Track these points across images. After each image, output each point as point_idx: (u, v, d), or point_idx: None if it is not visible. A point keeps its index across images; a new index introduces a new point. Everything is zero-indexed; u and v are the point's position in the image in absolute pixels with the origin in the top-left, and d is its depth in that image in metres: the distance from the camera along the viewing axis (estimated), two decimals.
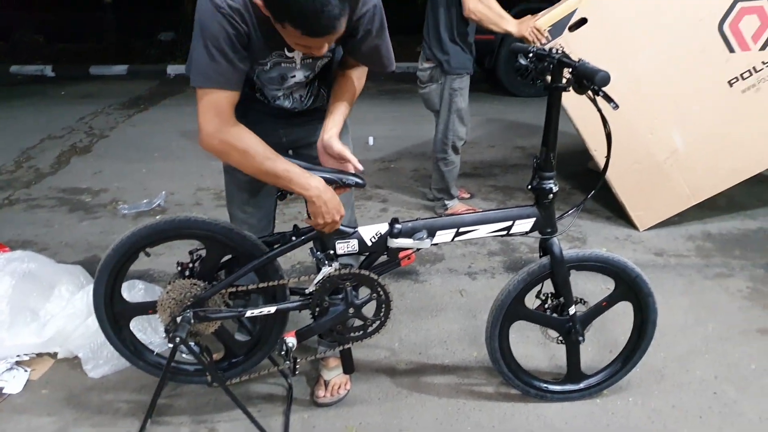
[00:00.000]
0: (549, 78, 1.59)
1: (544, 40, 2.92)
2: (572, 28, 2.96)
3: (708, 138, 3.07)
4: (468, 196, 3.79)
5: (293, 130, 1.78)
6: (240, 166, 1.50)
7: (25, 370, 2.07)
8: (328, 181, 1.54)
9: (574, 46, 2.93)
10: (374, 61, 1.65)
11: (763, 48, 2.89)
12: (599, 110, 1.59)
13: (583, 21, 2.95)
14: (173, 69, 8.15)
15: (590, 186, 3.27)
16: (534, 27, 2.90)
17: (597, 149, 3.15)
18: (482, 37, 6.32)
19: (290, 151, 1.74)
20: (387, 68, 1.68)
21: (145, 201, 3.57)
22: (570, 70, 1.49)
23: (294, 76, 1.60)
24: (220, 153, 1.47)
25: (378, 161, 4.46)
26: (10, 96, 6.77)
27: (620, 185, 3.23)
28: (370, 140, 4.91)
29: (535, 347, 2.25)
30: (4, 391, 1.99)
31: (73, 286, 2.23)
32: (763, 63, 2.91)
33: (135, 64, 8.23)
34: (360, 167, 1.58)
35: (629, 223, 3.34)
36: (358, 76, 1.70)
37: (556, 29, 2.95)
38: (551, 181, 1.69)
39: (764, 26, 2.86)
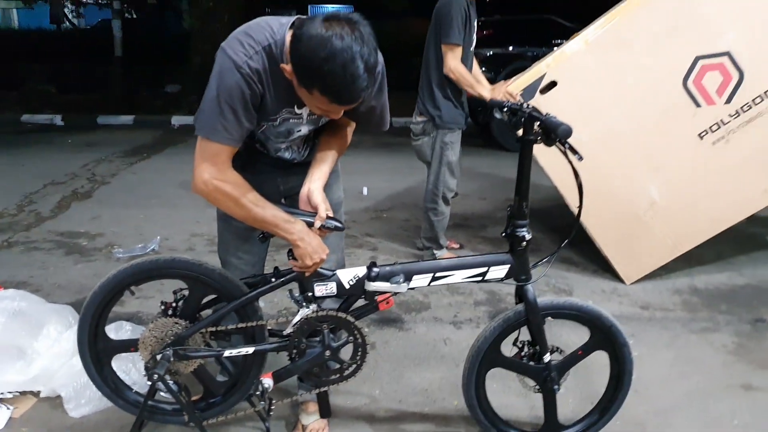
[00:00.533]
0: (520, 131, 1.66)
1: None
2: (543, 91, 3.07)
3: (684, 190, 3.14)
4: (458, 246, 3.85)
5: (290, 179, 1.85)
6: (230, 211, 1.58)
7: (8, 408, 2.09)
8: (309, 224, 1.60)
9: (546, 107, 3.02)
10: (369, 121, 1.75)
11: (728, 101, 2.99)
12: (570, 162, 1.66)
13: (553, 84, 3.06)
14: (177, 120, 8.36)
15: (583, 239, 3.34)
16: (506, 91, 3.04)
17: (576, 204, 3.22)
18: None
19: (283, 199, 1.82)
20: (380, 128, 1.79)
21: (139, 246, 3.63)
22: (538, 123, 1.56)
23: (300, 131, 1.69)
24: (212, 199, 1.55)
25: (371, 210, 4.55)
26: (19, 143, 6.95)
27: (603, 239, 3.28)
28: (365, 190, 5.01)
29: (516, 398, 2.26)
30: None
31: (62, 326, 2.27)
32: (730, 116, 3.00)
33: (141, 114, 8.46)
34: (323, 216, 1.62)
35: (616, 276, 3.38)
36: (350, 131, 1.80)
37: (528, 93, 3.07)
38: (524, 229, 1.74)
39: (726, 81, 2.97)
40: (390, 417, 2.16)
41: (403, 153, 6.64)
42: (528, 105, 1.67)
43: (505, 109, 1.76)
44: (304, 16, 1.47)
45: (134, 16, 17.51)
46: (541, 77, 3.07)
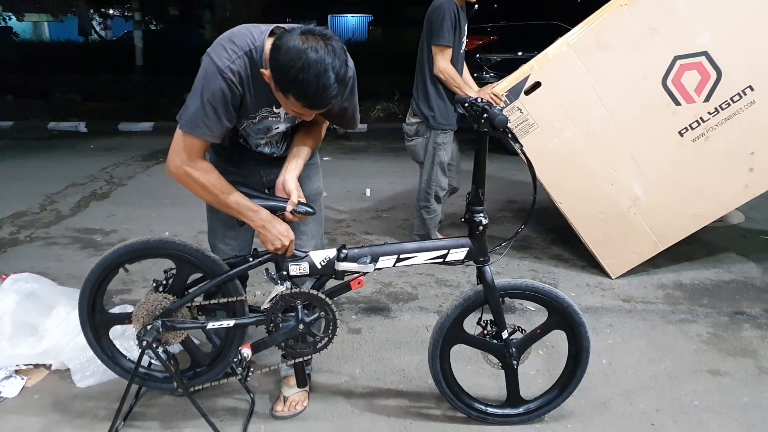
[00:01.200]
0: (476, 124, 1.81)
1: (502, 104, 3.21)
2: (528, 92, 3.22)
3: (666, 186, 3.24)
4: None
5: (272, 171, 2.03)
6: (198, 195, 1.77)
7: (22, 378, 2.31)
8: (282, 209, 1.78)
9: (530, 107, 3.24)
10: (342, 120, 1.95)
11: (707, 100, 3.08)
12: (522, 153, 1.81)
13: (537, 85, 3.21)
14: None
15: (575, 237, 3.47)
16: (492, 93, 3.20)
17: (561, 201, 3.36)
18: None
19: (267, 190, 2.01)
20: (351, 127, 2.00)
21: None
22: (485, 115, 1.71)
23: (278, 128, 1.88)
24: (183, 182, 1.75)
25: (371, 210, 4.72)
26: (45, 148, 7.30)
27: (588, 235, 3.41)
28: (367, 191, 5.19)
29: (487, 378, 2.40)
30: (1, 395, 2.22)
31: (70, 306, 2.48)
32: (709, 113, 3.10)
33: (160, 121, 8.76)
34: (295, 202, 1.80)
35: (603, 272, 3.49)
36: (324, 127, 2.00)
37: (513, 94, 3.24)
38: (481, 215, 1.90)
39: (705, 80, 3.07)
40: (367, 393, 2.33)
41: (409, 157, 6.83)
42: (481, 100, 1.82)
43: (466, 104, 1.91)
44: (284, 26, 1.66)
45: (158, 27, 17.99)
46: (526, 78, 3.22)
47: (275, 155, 2.01)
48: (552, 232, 4.17)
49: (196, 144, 1.69)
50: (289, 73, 1.52)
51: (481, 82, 6.65)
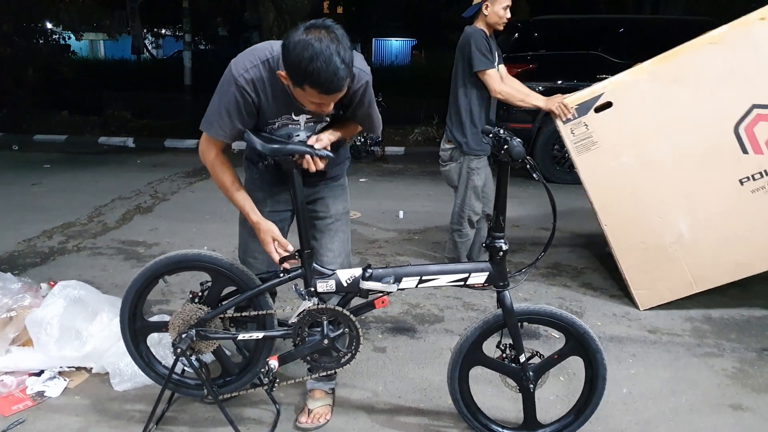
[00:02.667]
0: (500, 154, 1.89)
1: (570, 116, 3.23)
2: (598, 110, 3.21)
3: (714, 230, 3.19)
4: None
5: (306, 190, 2.15)
6: (217, 184, 2.00)
7: (65, 380, 2.47)
8: (295, 153, 1.87)
9: (596, 125, 3.23)
10: (366, 125, 2.07)
11: None
12: (543, 182, 1.88)
13: (608, 104, 3.19)
14: (237, 144, 8.85)
15: (607, 266, 3.47)
16: (561, 103, 3.22)
17: (607, 224, 3.34)
18: (519, 125, 6.78)
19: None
20: (374, 132, 2.14)
21: None
22: (505, 146, 1.80)
23: (299, 135, 1.99)
24: (208, 169, 2.00)
25: (404, 232, 4.82)
26: (95, 162, 7.68)
27: (625, 262, 3.37)
28: (401, 214, 5.30)
29: (507, 401, 2.44)
30: (45, 394, 2.39)
31: (113, 314, 2.63)
32: None
33: None
34: (318, 145, 1.89)
35: (632, 302, 3.48)
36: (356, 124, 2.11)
37: (583, 109, 3.23)
38: (502, 241, 1.97)
39: None
40: (388, 409, 2.40)
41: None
42: (504, 131, 1.90)
43: (491, 135, 1.99)
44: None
45: (207, 47, 18.65)
46: (598, 96, 3.21)
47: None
48: (583, 260, 4.19)
49: (215, 143, 1.93)
50: (300, 65, 1.65)
51: (518, 110, 6.73)
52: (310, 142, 1.91)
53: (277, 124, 1.95)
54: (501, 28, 3.44)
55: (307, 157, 1.87)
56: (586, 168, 3.31)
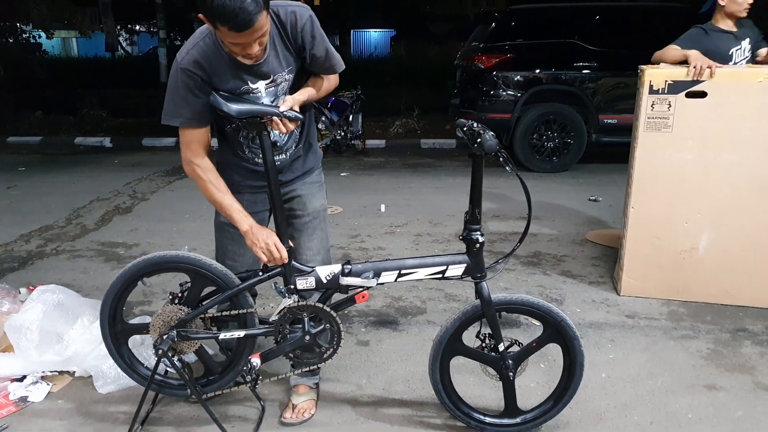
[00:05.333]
0: (473, 147, 1.90)
1: (704, 76, 3.02)
2: (690, 95, 3.07)
3: (727, 257, 3.22)
4: None
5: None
6: (203, 192, 1.98)
7: (48, 384, 2.47)
8: (266, 114, 1.86)
9: (680, 109, 3.10)
10: (328, 64, 2.02)
11: None
12: (517, 174, 1.91)
13: (702, 94, 3.06)
14: (216, 142, 8.86)
15: (586, 254, 3.51)
16: (707, 64, 3.02)
17: (635, 207, 3.30)
18: (498, 115, 6.81)
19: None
20: (335, 70, 2.06)
21: None
22: (479, 140, 1.82)
23: (262, 103, 1.94)
24: (192, 177, 1.98)
25: (386, 226, 4.83)
26: (72, 163, 7.59)
27: (631, 248, 3.37)
28: (382, 207, 5.32)
29: (489, 389, 2.48)
30: (28, 399, 2.38)
31: (93, 317, 2.62)
32: None
33: None
34: (284, 107, 1.89)
35: (613, 288, 3.55)
36: (325, 80, 2.08)
37: (675, 87, 3.07)
38: (478, 233, 2.00)
39: None
40: (372, 402, 2.43)
41: (426, 173, 6.96)
42: (477, 125, 1.92)
43: (465, 128, 2.01)
44: None
45: (182, 42, 18.40)
46: (698, 81, 3.05)
47: (281, 163, 2.11)
48: (562, 249, 4.24)
49: (187, 136, 1.93)
50: (207, 6, 1.67)
51: (497, 100, 6.76)
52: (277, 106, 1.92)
53: (237, 93, 1.95)
54: (744, 14, 3.35)
55: (275, 118, 1.86)
56: (644, 147, 3.19)
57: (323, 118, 7.61)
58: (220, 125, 2.07)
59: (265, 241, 1.93)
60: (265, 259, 1.95)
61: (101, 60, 16.83)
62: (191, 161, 1.95)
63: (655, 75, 3.12)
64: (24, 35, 10.99)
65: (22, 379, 2.47)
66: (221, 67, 1.87)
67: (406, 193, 5.95)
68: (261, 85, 1.94)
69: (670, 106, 3.10)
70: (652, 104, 3.13)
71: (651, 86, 3.12)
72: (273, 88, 1.97)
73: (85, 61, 16.87)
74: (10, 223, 4.83)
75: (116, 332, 2.08)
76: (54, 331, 2.51)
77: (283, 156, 2.11)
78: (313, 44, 1.93)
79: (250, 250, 2.19)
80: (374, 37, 25.69)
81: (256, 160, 2.09)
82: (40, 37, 12.03)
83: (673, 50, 3.27)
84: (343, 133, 7.97)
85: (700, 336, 3.01)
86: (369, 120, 9.17)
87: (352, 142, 8.12)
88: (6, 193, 5.98)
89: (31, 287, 2.89)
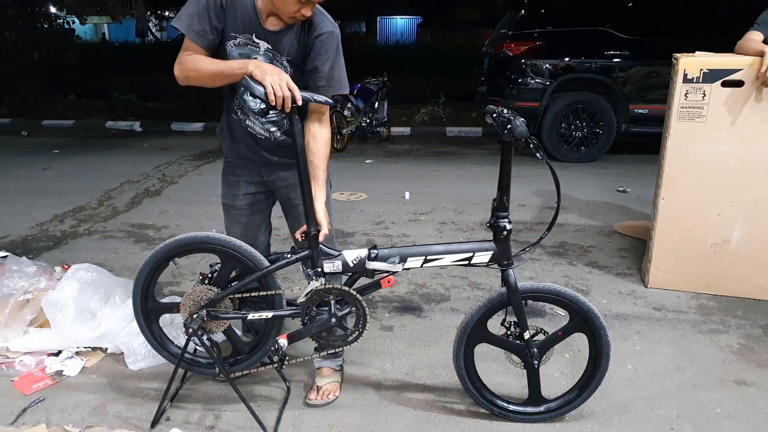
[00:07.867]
0: (503, 134, 1.89)
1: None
2: (726, 84, 3.00)
3: (761, 249, 3.17)
4: None
5: (271, 172, 2.22)
6: (200, 80, 1.97)
7: (82, 359, 2.54)
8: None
9: (715, 99, 3.03)
10: (332, 82, 2.02)
11: None
12: (547, 161, 1.88)
13: (739, 83, 2.98)
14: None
15: (613, 245, 3.47)
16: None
17: (665, 198, 3.25)
18: (526, 104, 6.74)
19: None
20: (340, 90, 2.06)
21: None
22: (509, 126, 1.81)
23: (257, 59, 1.95)
24: (184, 72, 1.98)
25: (410, 213, 4.84)
26: (103, 146, 7.74)
27: (660, 240, 3.33)
28: (407, 195, 5.32)
29: (513, 377, 2.49)
30: (63, 373, 2.46)
31: (125, 295, 2.69)
32: None
33: (210, 121, 9.11)
34: (326, 232, 1.98)
35: (641, 279, 3.51)
36: (325, 143, 2.06)
37: (712, 75, 3.00)
38: (506, 220, 1.99)
39: None
40: (395, 386, 2.45)
41: (451, 161, 6.94)
42: (507, 111, 1.91)
43: (494, 114, 2.00)
44: None
45: None
46: (735, 70, 2.97)
47: (275, 138, 2.14)
48: (589, 239, 4.20)
49: (186, 44, 1.97)
50: None
51: (525, 88, 6.69)
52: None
53: (239, 40, 1.99)
54: None
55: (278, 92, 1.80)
56: (677, 137, 3.13)
57: (349, 105, 7.62)
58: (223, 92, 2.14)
59: (278, 76, 1.83)
60: (272, 94, 1.80)
61: (132, 46, 17.02)
62: (181, 57, 1.98)
63: (690, 63, 3.05)
64: (58, 21, 11.18)
65: (57, 353, 2.54)
66: (239, 11, 1.94)
67: (430, 181, 5.95)
68: (263, 45, 2.00)
69: (705, 95, 3.03)
70: (686, 93, 3.06)
71: (685, 75, 3.05)
72: (271, 55, 2.00)
73: (116, 46, 17.09)
74: (45, 204, 4.96)
75: (148, 310, 2.13)
76: (88, 309, 2.58)
77: (275, 129, 2.14)
78: (324, 54, 1.97)
79: (261, 236, 2.23)
80: (400, 24, 25.54)
81: (247, 122, 2.14)
82: (73, 22, 12.22)
83: (752, 42, 3.02)
84: (368, 120, 7.97)
85: (730, 331, 2.96)
86: (394, 107, 9.15)
87: (378, 129, 8.12)
88: (40, 174, 6.13)
89: (66, 266, 2.96)
